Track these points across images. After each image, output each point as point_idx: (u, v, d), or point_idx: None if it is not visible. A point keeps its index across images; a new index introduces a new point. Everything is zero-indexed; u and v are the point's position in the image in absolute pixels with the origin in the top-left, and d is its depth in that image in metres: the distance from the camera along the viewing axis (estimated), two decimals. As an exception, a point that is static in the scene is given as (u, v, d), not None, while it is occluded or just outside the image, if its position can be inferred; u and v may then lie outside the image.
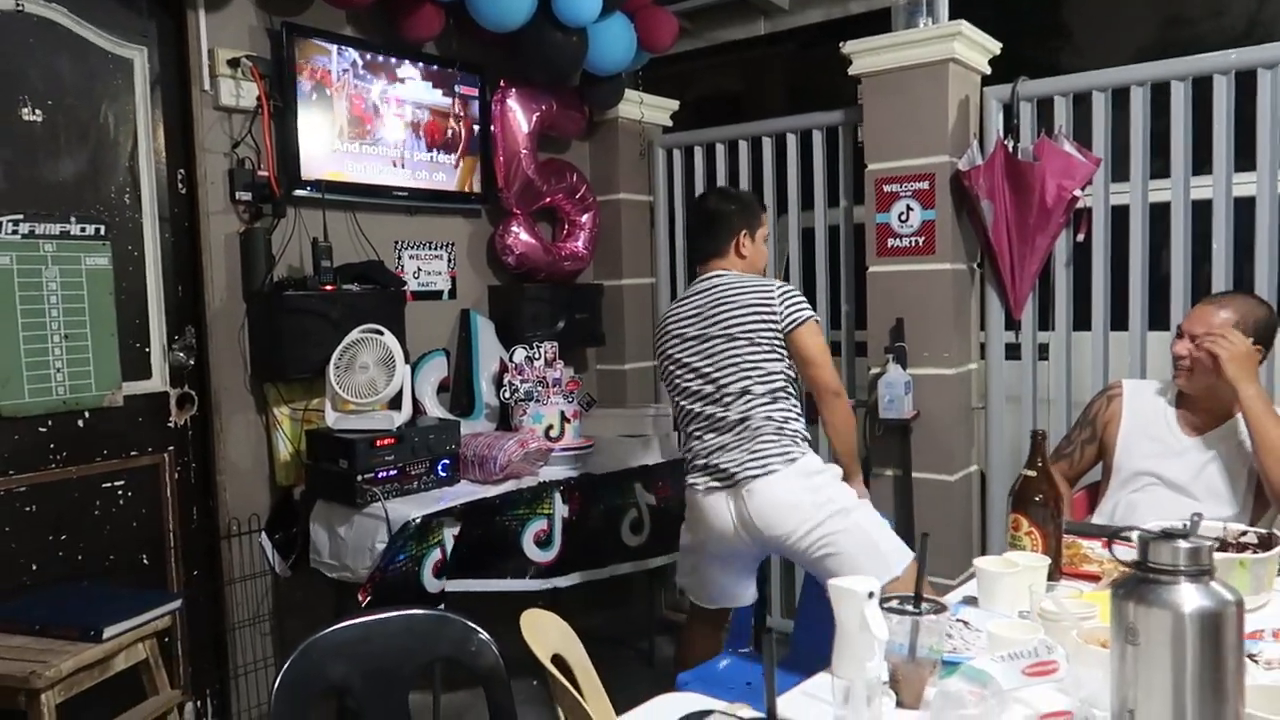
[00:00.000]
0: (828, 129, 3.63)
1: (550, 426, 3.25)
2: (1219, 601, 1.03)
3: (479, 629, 1.66)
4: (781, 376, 2.44)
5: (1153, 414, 2.35)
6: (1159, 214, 3.01)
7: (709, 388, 2.45)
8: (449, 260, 3.55)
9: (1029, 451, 1.84)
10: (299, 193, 2.95)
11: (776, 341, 2.43)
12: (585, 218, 3.88)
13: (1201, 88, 2.90)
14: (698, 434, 2.47)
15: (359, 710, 1.64)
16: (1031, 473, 1.80)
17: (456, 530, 2.74)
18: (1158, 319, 3.02)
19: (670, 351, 2.55)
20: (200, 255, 2.83)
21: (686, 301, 2.55)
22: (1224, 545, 1.76)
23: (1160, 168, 3.00)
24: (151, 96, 2.76)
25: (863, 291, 3.45)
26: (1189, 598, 1.03)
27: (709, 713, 0.96)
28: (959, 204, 3.24)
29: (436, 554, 2.68)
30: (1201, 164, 2.94)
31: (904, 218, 3.28)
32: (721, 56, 4.81)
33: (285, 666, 1.49)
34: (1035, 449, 1.82)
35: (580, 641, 1.81)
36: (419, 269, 3.44)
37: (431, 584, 2.65)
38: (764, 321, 2.42)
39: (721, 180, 3.93)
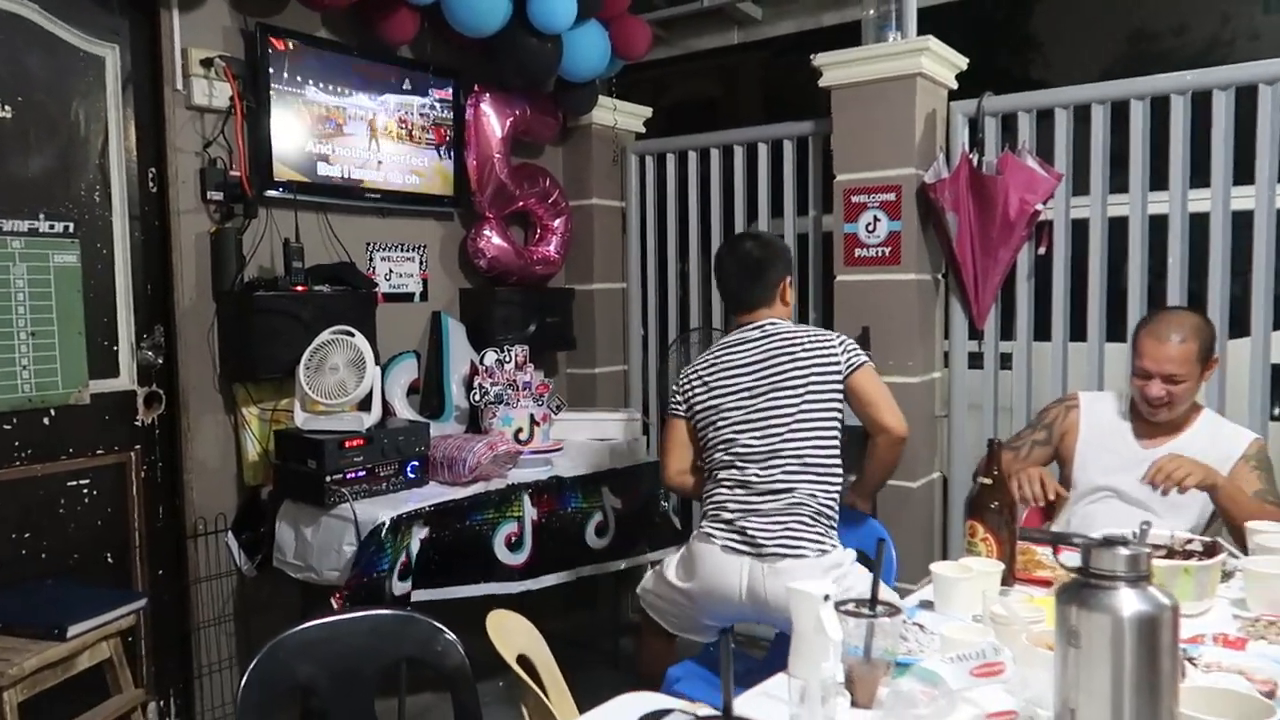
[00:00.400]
0: (798, 139, 3.68)
1: (520, 429, 3.27)
2: (1156, 606, 1.08)
3: (444, 629, 1.68)
4: (836, 442, 2.34)
5: (1109, 427, 2.40)
6: (1118, 228, 3.09)
7: (757, 444, 2.32)
8: (421, 262, 3.56)
9: (985, 460, 1.89)
10: (271, 193, 2.96)
11: (838, 391, 2.35)
12: (558, 222, 3.90)
13: (1160, 107, 2.99)
14: (730, 487, 2.34)
15: (324, 710, 1.66)
16: (987, 481, 1.86)
17: (425, 534, 2.76)
18: (1116, 331, 3.10)
19: (715, 402, 2.39)
20: (170, 254, 2.83)
21: (734, 350, 2.42)
22: (1170, 553, 1.82)
23: (1120, 183, 3.08)
24: (123, 95, 2.76)
25: (830, 300, 3.50)
26: (1128, 602, 1.08)
27: (668, 712, 0.99)
28: (925, 215, 3.30)
29: (402, 558, 2.69)
30: (1160, 181, 3.02)
31: (871, 228, 3.34)
32: (696, 64, 4.85)
33: (252, 665, 1.51)
34: (991, 458, 1.87)
35: (546, 643, 1.84)
36: (391, 271, 3.45)
37: (397, 586, 2.66)
38: (827, 370, 2.34)
39: (694, 188, 3.98)
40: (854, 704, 1.33)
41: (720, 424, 2.38)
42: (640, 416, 3.74)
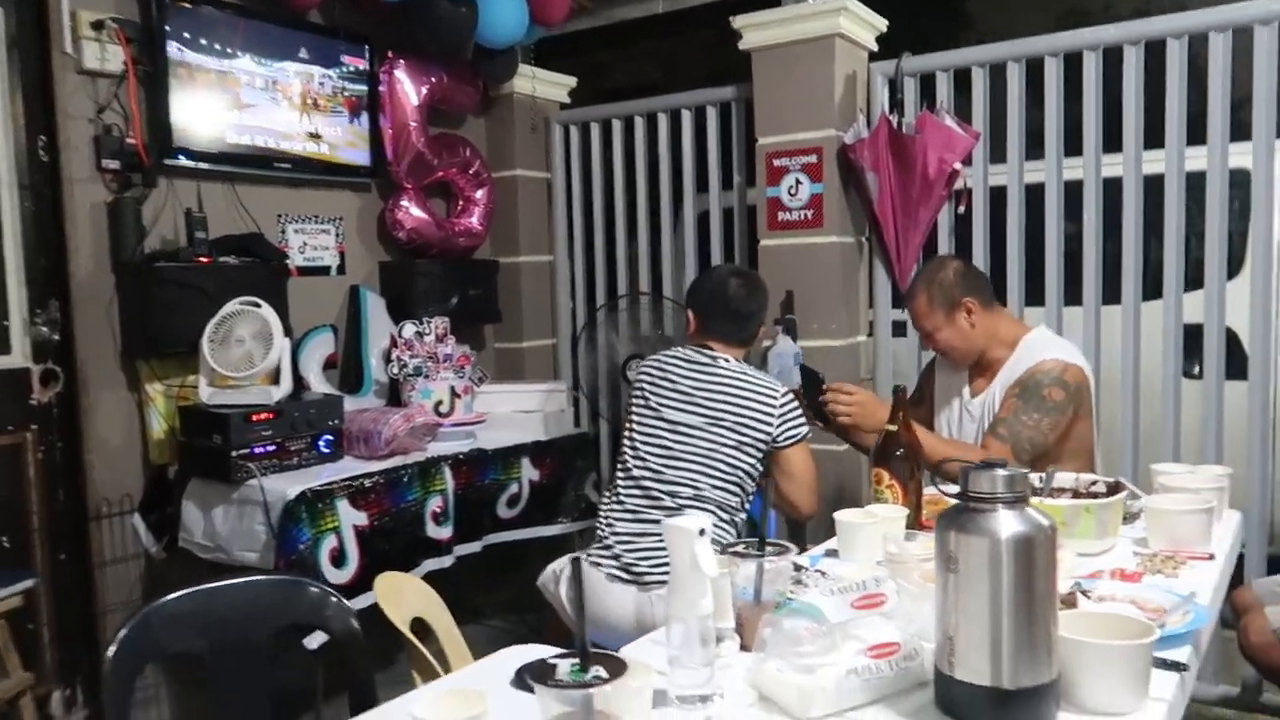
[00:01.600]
0: (721, 104, 3.65)
1: (440, 402, 3.21)
2: (1033, 526, 1.06)
3: (333, 593, 1.62)
4: (739, 490, 2.30)
5: (951, 382, 2.50)
6: (1035, 194, 3.10)
7: (664, 467, 2.29)
8: (337, 235, 3.46)
9: (891, 407, 1.87)
10: (171, 162, 2.84)
11: (761, 448, 2.30)
12: (480, 193, 3.83)
13: (1074, 65, 3.00)
14: (620, 502, 2.32)
15: (217, 682, 1.59)
16: (892, 428, 1.84)
17: (363, 522, 2.68)
18: (1034, 294, 3.11)
19: (656, 394, 2.34)
20: (64, 225, 2.71)
21: (687, 364, 2.36)
22: (1076, 495, 1.82)
23: (1037, 146, 3.08)
24: (8, 58, 2.63)
25: (755, 267, 3.47)
26: (1006, 524, 1.06)
27: (543, 662, 0.94)
28: (846, 178, 3.29)
29: (332, 540, 2.61)
30: (1075, 146, 3.03)
31: (793, 191, 3.32)
32: (623, 35, 4.78)
33: (120, 637, 1.44)
34: (896, 404, 1.85)
35: (447, 609, 1.79)
36: (305, 244, 3.35)
37: (332, 574, 2.58)
38: (759, 424, 2.28)
39: (618, 158, 3.93)
40: (743, 648, 1.31)
41: (640, 431, 2.35)
42: (566, 388, 3.69)
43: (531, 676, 0.92)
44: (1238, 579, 2.64)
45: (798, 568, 1.57)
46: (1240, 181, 2.93)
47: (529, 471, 3.26)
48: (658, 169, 3.84)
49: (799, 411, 2.34)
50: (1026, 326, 2.43)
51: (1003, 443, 2.17)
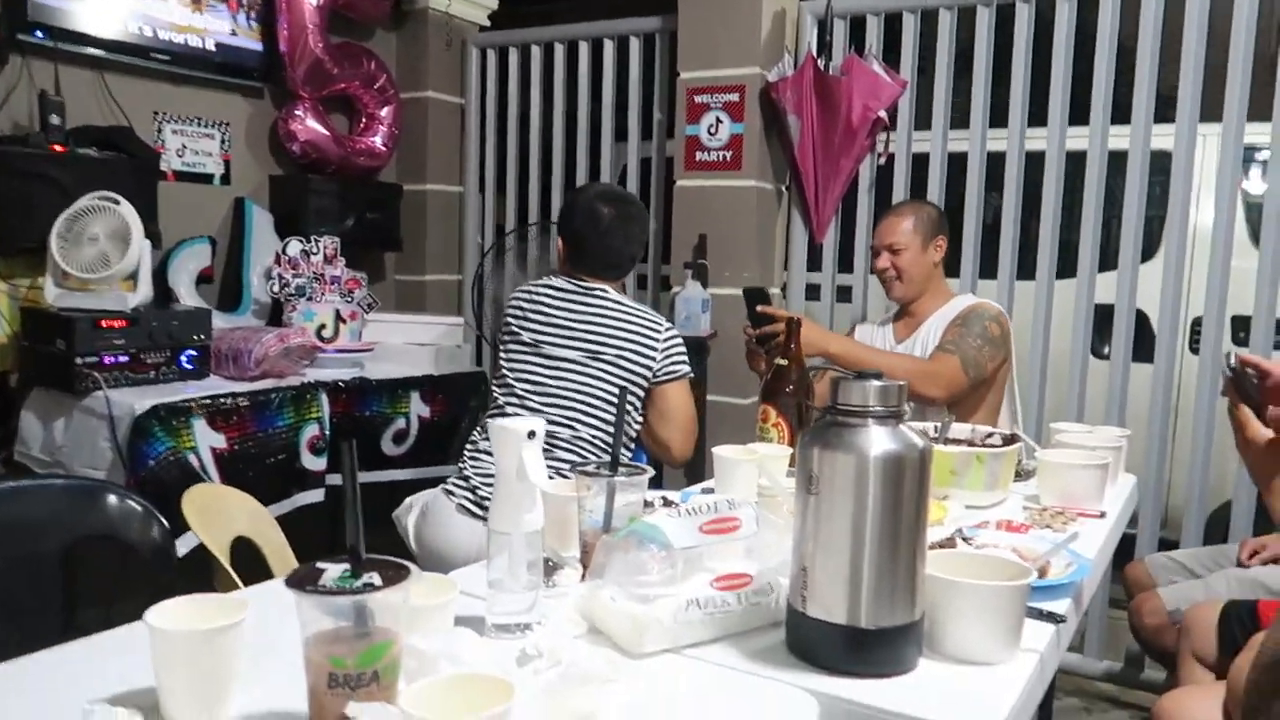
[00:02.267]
0: (646, 35, 3.47)
1: (323, 326, 2.99)
2: (905, 445, 0.93)
3: (142, 501, 1.43)
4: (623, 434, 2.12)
5: (874, 335, 2.53)
6: (958, 161, 2.99)
7: (536, 401, 2.10)
8: (223, 141, 3.20)
9: (783, 340, 1.74)
10: (26, 38, 2.55)
11: (644, 385, 2.13)
12: (385, 112, 3.59)
13: (1007, 16, 2.89)
14: (486, 442, 2.11)
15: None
16: (784, 362, 1.71)
17: (221, 445, 2.47)
18: (950, 266, 2.99)
19: (529, 327, 2.14)
20: (-106, 97, 2.42)
21: (561, 295, 2.16)
22: (970, 444, 1.71)
23: (962, 103, 2.97)
24: None
25: (670, 208, 3.32)
26: (876, 441, 0.92)
27: (311, 566, 0.78)
28: (769, 121, 3.15)
29: (189, 459, 2.40)
30: (1000, 111, 2.92)
31: (713, 130, 3.17)
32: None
33: None
34: (789, 337, 1.72)
35: (278, 526, 1.61)
36: (184, 147, 3.08)
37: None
38: (642, 358, 2.11)
39: (536, 88, 3.72)
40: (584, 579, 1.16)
41: (512, 366, 2.16)
42: (465, 323, 3.50)
43: (291, 583, 0.75)
44: (1129, 555, 2.61)
45: (667, 503, 1.43)
46: (1162, 165, 2.87)
47: (419, 407, 3.07)
48: (576, 99, 3.64)
49: (681, 349, 2.17)
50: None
51: (950, 355, 2.22)
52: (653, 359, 2.12)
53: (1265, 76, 2.65)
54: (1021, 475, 1.78)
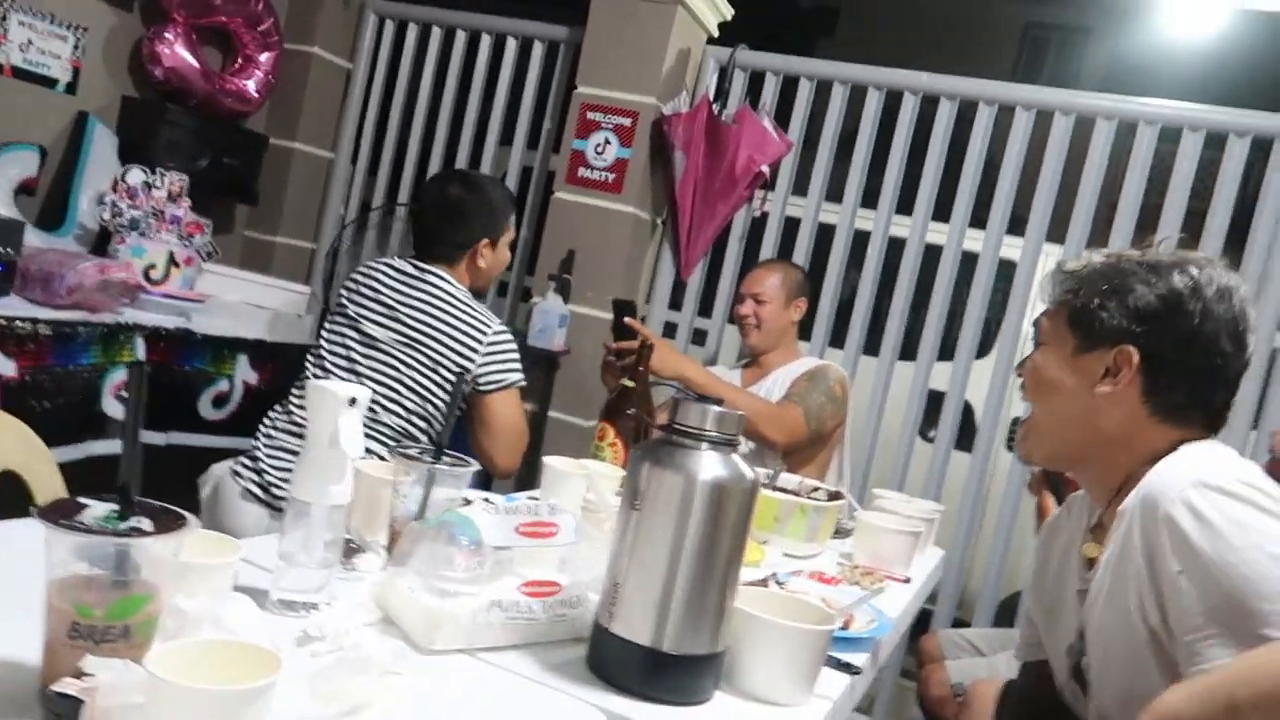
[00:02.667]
0: (550, 42, 3.43)
1: (152, 266, 2.78)
2: (735, 475, 0.92)
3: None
4: (425, 425, 2.02)
5: (723, 376, 2.57)
6: (826, 232, 3.09)
7: (346, 379, 1.98)
8: (76, 46, 2.94)
9: (633, 362, 1.72)
10: None
11: (455, 382, 2.01)
12: (265, 57, 3.40)
13: (892, 104, 3.02)
14: (284, 417, 2.03)
15: None
16: (630, 384, 1.69)
17: (12, 372, 2.23)
18: (804, 329, 3.04)
19: (355, 303, 2.06)
20: None
21: (395, 274, 2.08)
22: (797, 495, 1.74)
23: (839, 178, 3.08)
24: None
25: (544, 219, 3.28)
26: (707, 465, 0.91)
27: (74, 500, 0.69)
28: (655, 152, 3.16)
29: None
30: (873, 193, 3.05)
31: (600, 150, 3.16)
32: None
33: None
34: (640, 360, 1.71)
35: (58, 469, 1.46)
36: (30, 42, 2.81)
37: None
38: (458, 354, 2.00)
39: (430, 69, 3.62)
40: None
41: (329, 341, 2.07)
42: (314, 294, 3.33)
43: (43, 514, 0.66)
44: (925, 628, 2.72)
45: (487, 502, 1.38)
46: (1007, 273, 3.05)
47: (245, 372, 2.88)
48: (468, 94, 3.56)
49: (510, 356, 2.06)
50: None
51: (795, 405, 2.34)
52: (472, 358, 2.01)
53: (1108, 213, 2.86)
54: (840, 533, 1.82)
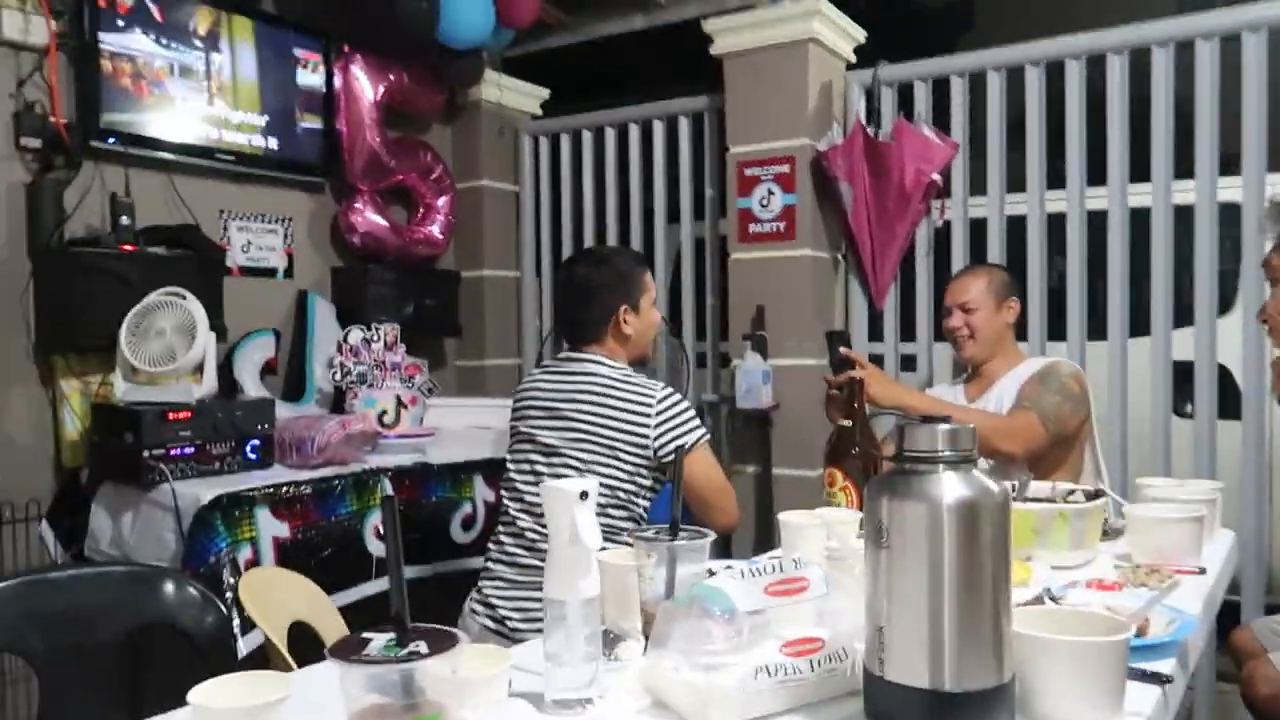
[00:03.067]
0: (694, 114, 3.51)
1: (384, 412, 3.01)
2: (981, 491, 0.87)
3: (202, 588, 1.41)
4: (625, 513, 1.97)
5: (946, 394, 2.49)
6: (1018, 224, 2.94)
7: (536, 495, 1.96)
8: (285, 236, 3.29)
9: (845, 399, 1.68)
10: (99, 145, 2.67)
11: (639, 460, 1.96)
12: (442, 201, 3.67)
13: (1057, 75, 2.86)
14: (500, 545, 2.05)
15: (54, 685, 1.38)
16: (847, 423, 1.65)
17: (285, 533, 2.47)
18: (1018, 333, 2.90)
19: (526, 415, 2.08)
20: (-23, 206, 2.53)
21: (554, 375, 2.08)
22: (1052, 501, 1.62)
23: (1018, 166, 2.93)
24: (-78, 26, 2.47)
25: (726, 281, 3.31)
26: (949, 487, 0.87)
27: (357, 637, 0.74)
28: (821, 190, 3.13)
29: (247, 551, 2.39)
30: (1057, 172, 2.88)
31: (765, 202, 3.17)
32: (601, 48, 4.66)
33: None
34: (851, 397, 1.67)
35: (338, 613, 1.58)
36: (249, 243, 3.17)
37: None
38: (632, 433, 1.95)
39: (588, 170, 3.78)
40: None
41: (513, 461, 2.10)
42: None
43: (334, 653, 0.72)
44: (1234, 620, 2.44)
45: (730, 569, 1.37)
46: (1231, 217, 2.77)
47: (483, 491, 3.04)
48: (629, 182, 3.69)
49: (683, 417, 1.98)
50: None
51: (1027, 411, 2.18)
52: (645, 435, 1.95)
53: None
54: (1109, 534, 1.68)
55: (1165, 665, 1.02)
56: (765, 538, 3.11)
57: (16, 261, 2.59)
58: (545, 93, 4.09)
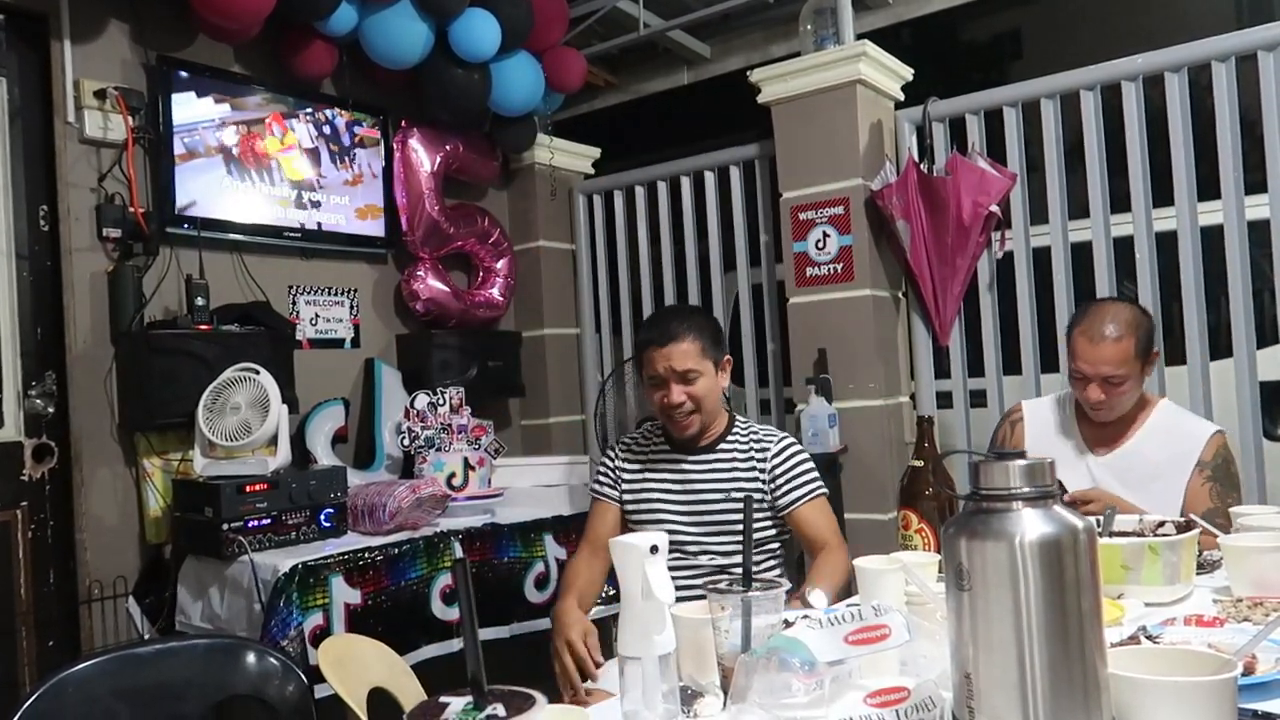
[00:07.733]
0: (744, 163, 3.53)
1: (453, 474, 3.03)
2: (1062, 527, 0.84)
3: (283, 659, 1.43)
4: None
5: (1055, 435, 2.13)
6: (1082, 250, 2.88)
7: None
8: (351, 307, 3.37)
9: (915, 441, 1.65)
10: (174, 230, 2.79)
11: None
12: (501, 264, 3.73)
13: (1112, 98, 2.82)
14: None
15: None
16: (918, 463, 1.61)
17: (356, 600, 2.50)
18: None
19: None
20: (63, 295, 2.65)
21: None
22: (1139, 535, 1.56)
23: (1078, 192, 2.88)
24: (10, 128, 2.62)
25: (786, 325, 3.29)
26: (1029, 525, 0.84)
27: (434, 702, 0.74)
28: (877, 229, 3.12)
29: (317, 618, 2.42)
30: (1120, 190, 2.82)
31: (821, 245, 3.16)
32: (649, 105, 4.75)
33: (25, 706, 1.25)
34: (922, 437, 1.64)
35: (415, 677, 1.58)
36: (317, 315, 3.26)
37: (314, 654, 2.37)
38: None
39: (643, 226, 3.82)
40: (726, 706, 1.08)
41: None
42: (592, 460, 3.49)
43: (413, 719, 0.72)
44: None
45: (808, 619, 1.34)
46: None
47: (554, 549, 3.04)
48: (683, 233, 3.71)
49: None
50: None
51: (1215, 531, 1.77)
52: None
53: None
54: (1205, 566, 1.61)
55: (1276, 705, 0.96)
56: (842, 586, 3.04)
57: (100, 346, 2.69)
58: (596, 152, 4.15)
